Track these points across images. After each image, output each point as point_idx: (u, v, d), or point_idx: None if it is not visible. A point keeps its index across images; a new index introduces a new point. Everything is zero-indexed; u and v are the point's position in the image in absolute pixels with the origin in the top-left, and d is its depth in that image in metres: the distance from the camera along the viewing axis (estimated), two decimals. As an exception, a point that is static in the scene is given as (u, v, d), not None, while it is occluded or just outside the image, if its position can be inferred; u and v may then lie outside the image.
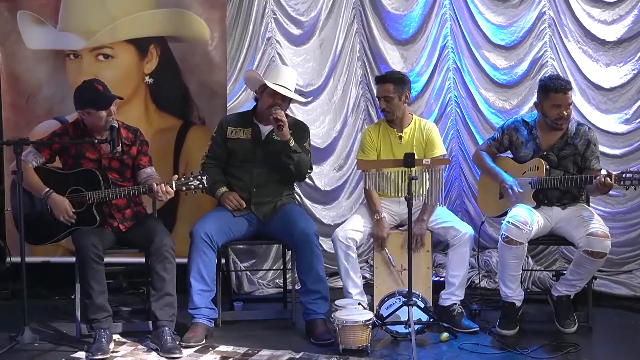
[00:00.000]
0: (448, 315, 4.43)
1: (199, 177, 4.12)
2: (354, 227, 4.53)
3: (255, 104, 4.59)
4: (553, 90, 4.28)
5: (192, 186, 4.11)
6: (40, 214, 4.21)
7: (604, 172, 4.14)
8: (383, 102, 4.59)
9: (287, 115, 4.53)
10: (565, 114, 4.30)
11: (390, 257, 4.48)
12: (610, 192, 4.22)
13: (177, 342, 4.05)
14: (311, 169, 4.60)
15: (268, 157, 4.47)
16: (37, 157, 4.26)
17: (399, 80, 4.58)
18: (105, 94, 4.19)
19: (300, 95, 4.75)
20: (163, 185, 4.08)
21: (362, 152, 4.71)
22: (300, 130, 4.57)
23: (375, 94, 4.68)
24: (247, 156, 4.49)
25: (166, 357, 3.94)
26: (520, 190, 4.33)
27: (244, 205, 4.44)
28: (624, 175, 4.04)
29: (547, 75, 4.64)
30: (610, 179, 4.05)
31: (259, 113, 4.54)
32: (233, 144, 4.53)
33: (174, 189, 4.10)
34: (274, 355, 3.95)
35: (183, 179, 4.11)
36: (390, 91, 4.55)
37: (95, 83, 4.23)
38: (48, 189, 4.14)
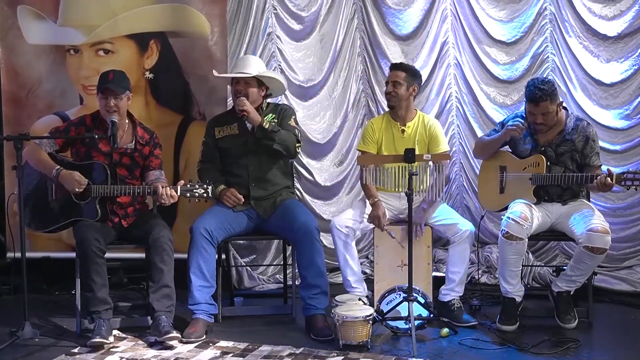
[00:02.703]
0: (447, 310, 4.44)
1: (205, 185, 4.12)
2: (352, 217, 4.55)
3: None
4: (526, 97, 4.31)
5: (197, 194, 4.11)
6: (45, 199, 4.24)
7: (604, 168, 4.14)
8: (390, 86, 4.61)
9: (269, 104, 4.62)
10: (540, 121, 4.29)
11: (391, 233, 4.47)
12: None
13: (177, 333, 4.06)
14: (299, 142, 4.56)
15: (260, 145, 4.47)
16: (52, 143, 4.28)
17: (411, 71, 4.65)
18: (109, 82, 4.19)
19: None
20: (168, 188, 4.09)
21: (363, 142, 4.73)
22: (283, 111, 4.60)
23: (386, 80, 4.69)
24: (240, 150, 4.50)
25: (163, 340, 3.96)
26: (525, 124, 4.32)
27: (242, 201, 4.44)
28: (624, 176, 4.04)
29: (534, 78, 4.45)
30: (611, 179, 4.05)
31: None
32: (223, 142, 4.55)
33: (178, 194, 4.10)
34: (274, 351, 3.95)
35: (189, 186, 4.12)
36: (400, 77, 4.58)
37: (111, 72, 4.26)
38: (59, 166, 4.15)
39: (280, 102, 5.16)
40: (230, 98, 5.16)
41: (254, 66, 4.52)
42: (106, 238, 4.17)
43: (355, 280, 4.55)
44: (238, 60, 4.70)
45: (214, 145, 4.57)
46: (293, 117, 4.59)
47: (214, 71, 4.62)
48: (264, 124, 4.36)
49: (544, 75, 5.14)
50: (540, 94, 4.23)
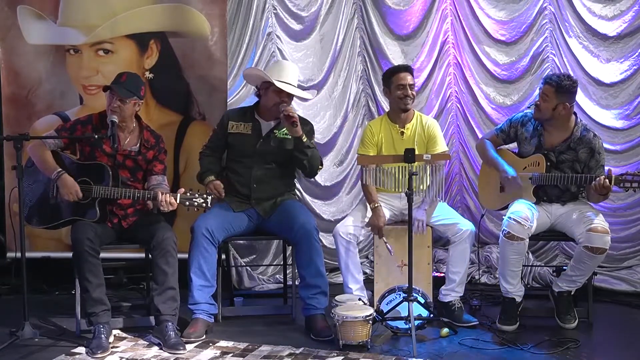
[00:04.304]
0: (448, 310, 4.44)
1: (204, 195, 4.12)
2: (354, 223, 4.54)
3: (257, 99, 4.59)
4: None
5: (196, 203, 4.10)
6: (45, 196, 4.24)
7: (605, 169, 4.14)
8: (408, 90, 4.58)
9: None
10: (538, 102, 4.34)
11: (389, 246, 4.48)
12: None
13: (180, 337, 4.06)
14: (321, 164, 4.57)
15: (268, 153, 4.47)
16: (57, 140, 4.28)
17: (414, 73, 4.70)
18: (119, 84, 4.18)
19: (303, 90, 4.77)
20: (168, 195, 4.09)
21: (362, 146, 4.72)
22: (306, 131, 4.54)
23: (398, 82, 4.57)
24: (247, 151, 4.49)
25: (170, 353, 3.95)
26: (521, 184, 4.33)
27: (223, 195, 4.40)
28: (623, 177, 4.03)
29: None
30: (610, 181, 4.03)
31: (261, 109, 4.53)
32: (233, 138, 4.53)
33: (178, 201, 4.10)
34: (274, 351, 3.95)
35: (189, 194, 4.11)
36: (413, 80, 4.61)
37: (126, 74, 4.26)
38: (60, 169, 4.16)
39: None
40: (230, 98, 5.19)
41: (294, 75, 4.52)
42: (103, 238, 4.17)
43: (356, 288, 4.54)
44: (279, 65, 4.62)
45: (222, 137, 4.56)
46: (313, 136, 4.58)
47: (276, 82, 4.33)
48: (303, 137, 4.35)
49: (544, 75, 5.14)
50: (553, 78, 4.29)
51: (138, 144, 4.32)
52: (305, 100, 5.41)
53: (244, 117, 4.54)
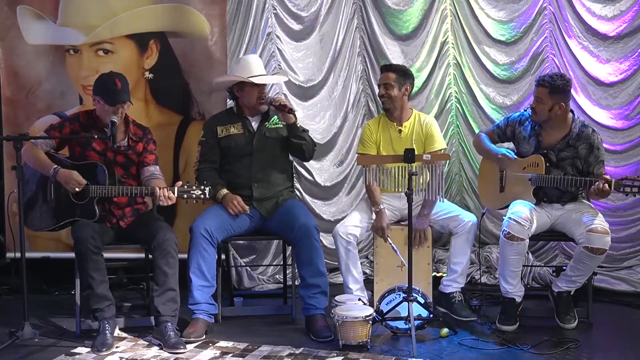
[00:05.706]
0: (448, 302, 4.45)
1: (202, 187, 4.11)
2: (354, 223, 4.54)
3: (234, 103, 4.62)
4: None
5: (194, 195, 4.10)
6: (44, 199, 4.24)
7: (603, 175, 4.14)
8: (382, 89, 4.61)
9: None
10: (533, 105, 4.34)
11: (394, 247, 4.46)
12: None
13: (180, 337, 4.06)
14: (315, 145, 4.60)
15: (266, 146, 4.48)
16: (49, 142, 4.28)
17: (401, 72, 4.64)
18: (119, 93, 4.16)
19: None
20: (165, 190, 4.09)
21: (362, 145, 4.73)
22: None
23: (377, 82, 4.69)
24: (243, 150, 4.49)
25: (170, 352, 3.95)
26: (515, 157, 4.33)
27: (248, 211, 4.42)
28: (622, 182, 4.03)
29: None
30: (609, 186, 4.03)
31: (244, 108, 4.54)
32: (226, 142, 4.52)
33: (176, 195, 4.10)
34: (274, 351, 3.95)
35: (186, 187, 4.11)
36: (391, 79, 4.58)
37: (116, 78, 4.21)
38: (56, 165, 4.16)
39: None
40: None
41: (260, 66, 4.57)
42: (103, 237, 4.18)
43: (357, 288, 4.53)
44: (244, 62, 4.56)
45: (215, 145, 4.54)
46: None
47: (250, 79, 4.41)
48: (297, 122, 4.40)
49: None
50: (545, 79, 4.28)
51: (126, 139, 4.31)
52: (304, 100, 5.43)
53: (230, 119, 4.54)
